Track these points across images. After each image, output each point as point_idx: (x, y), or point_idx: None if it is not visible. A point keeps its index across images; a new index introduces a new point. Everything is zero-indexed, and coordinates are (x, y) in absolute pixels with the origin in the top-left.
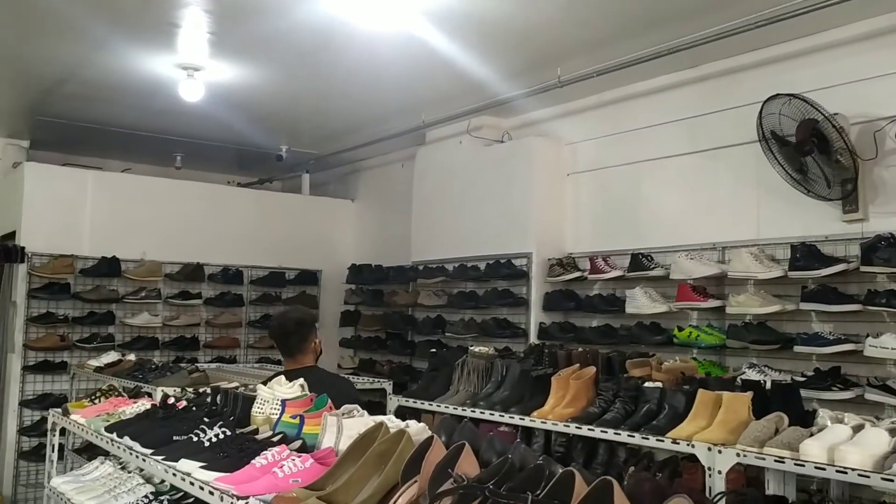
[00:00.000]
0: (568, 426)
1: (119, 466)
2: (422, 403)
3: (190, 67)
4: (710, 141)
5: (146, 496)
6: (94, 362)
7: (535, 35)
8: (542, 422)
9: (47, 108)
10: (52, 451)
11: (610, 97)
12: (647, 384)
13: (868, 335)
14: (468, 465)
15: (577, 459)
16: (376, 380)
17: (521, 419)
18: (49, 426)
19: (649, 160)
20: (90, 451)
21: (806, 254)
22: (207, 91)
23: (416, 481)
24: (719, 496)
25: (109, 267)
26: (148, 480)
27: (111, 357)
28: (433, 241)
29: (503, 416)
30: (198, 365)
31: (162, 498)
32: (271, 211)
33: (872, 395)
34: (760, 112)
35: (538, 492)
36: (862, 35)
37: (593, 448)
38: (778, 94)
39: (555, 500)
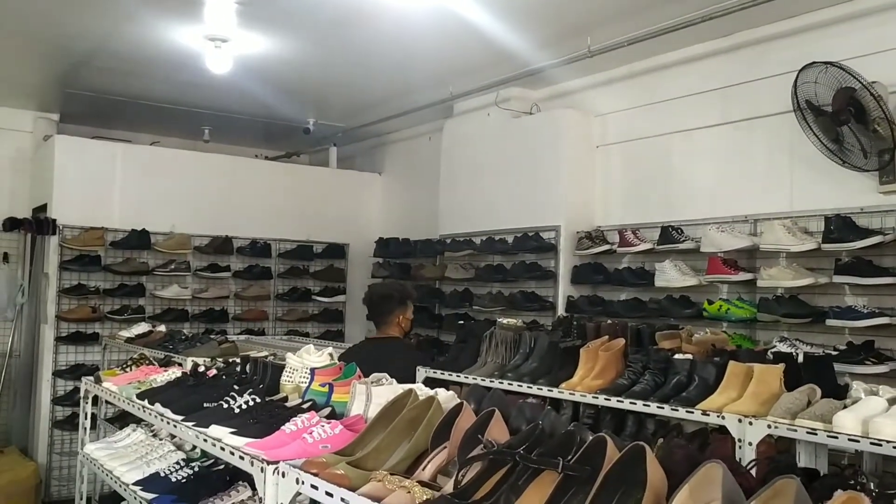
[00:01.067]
0: (597, 398)
1: (151, 434)
2: (450, 375)
3: (217, 39)
4: (742, 111)
5: (178, 462)
6: (126, 333)
7: (566, 4)
8: (571, 393)
9: (76, 81)
10: (85, 419)
11: (640, 67)
12: (676, 356)
13: None
14: (498, 432)
15: (605, 431)
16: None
17: (549, 391)
18: (82, 394)
19: (680, 131)
20: (122, 421)
21: (840, 226)
22: (235, 63)
23: (445, 447)
24: (752, 463)
25: (139, 239)
26: (179, 447)
27: (142, 328)
28: (460, 215)
29: (531, 387)
30: (227, 336)
31: (193, 464)
32: (299, 184)
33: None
34: (796, 81)
35: (569, 457)
36: None
37: (622, 420)
38: (814, 63)
39: (586, 465)
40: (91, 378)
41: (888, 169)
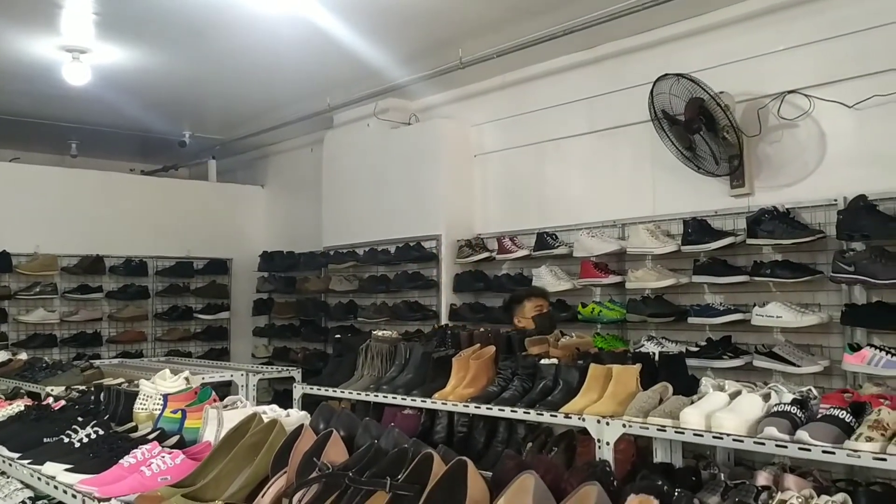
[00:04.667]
0: (467, 406)
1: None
2: (326, 390)
3: (75, 50)
4: (608, 120)
5: (24, 501)
6: None
7: (434, 17)
8: (443, 403)
9: None
10: None
11: (512, 79)
12: (543, 361)
13: (755, 305)
14: (335, 453)
15: (478, 438)
16: (285, 368)
17: (422, 401)
18: None
19: (552, 140)
20: None
21: (697, 228)
22: (96, 74)
23: (285, 472)
24: (603, 463)
25: None
26: (27, 485)
27: (2, 356)
28: (344, 226)
29: (405, 399)
30: (92, 362)
31: (41, 502)
32: (176, 199)
33: (760, 362)
34: (652, 91)
35: (398, 476)
36: (746, 15)
37: (494, 426)
38: (667, 74)
39: (415, 482)
40: None
41: (737, 174)
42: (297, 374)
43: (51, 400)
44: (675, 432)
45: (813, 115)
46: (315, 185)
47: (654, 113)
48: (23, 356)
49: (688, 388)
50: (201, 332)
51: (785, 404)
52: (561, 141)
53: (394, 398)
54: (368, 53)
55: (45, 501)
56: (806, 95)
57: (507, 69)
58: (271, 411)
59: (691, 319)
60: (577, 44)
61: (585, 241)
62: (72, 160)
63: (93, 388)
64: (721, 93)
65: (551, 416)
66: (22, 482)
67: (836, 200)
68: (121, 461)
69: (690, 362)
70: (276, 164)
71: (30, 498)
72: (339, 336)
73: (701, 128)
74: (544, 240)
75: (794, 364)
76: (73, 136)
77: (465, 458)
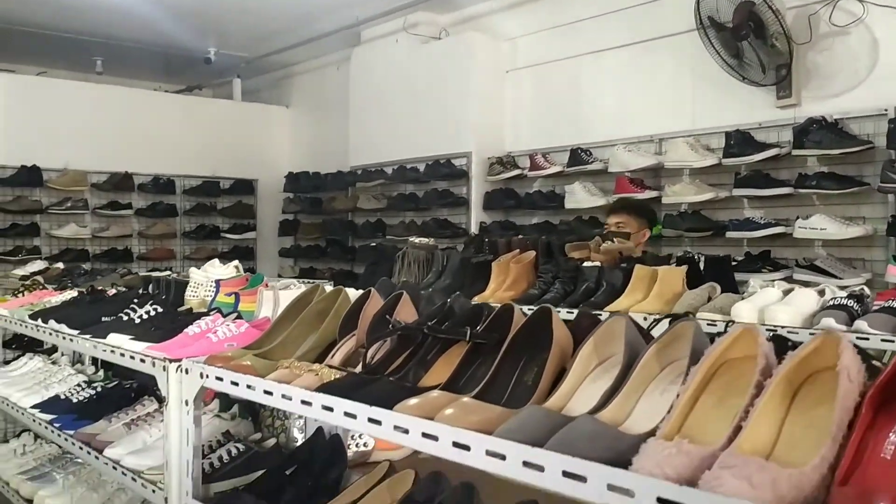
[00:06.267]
0: None
1: (49, 361)
2: None
3: None
4: (647, 31)
5: (79, 385)
6: (20, 271)
7: None
8: None
9: None
10: None
11: None
12: (585, 264)
13: (797, 217)
14: (406, 314)
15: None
16: (314, 281)
17: None
18: None
19: (588, 53)
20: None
21: (740, 140)
22: None
23: (353, 335)
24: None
25: (30, 176)
26: (80, 372)
27: (37, 266)
28: (371, 145)
29: None
30: (129, 268)
31: (96, 384)
32: (202, 118)
33: (801, 275)
34: None
35: (477, 327)
36: None
37: None
38: None
39: (493, 332)
40: None
41: (784, 83)
42: (328, 286)
43: (100, 287)
44: (727, 327)
45: (866, 22)
46: (341, 104)
47: (699, 20)
48: (59, 265)
49: (733, 290)
50: (228, 251)
51: (841, 298)
52: (597, 54)
53: None
54: None
55: (101, 384)
56: (859, 0)
57: None
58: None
59: (730, 234)
60: None
61: (621, 155)
62: (97, 77)
63: (141, 280)
64: None
65: (595, 315)
66: (76, 370)
67: (886, 110)
68: (185, 330)
69: None
70: (301, 83)
71: (84, 382)
72: (374, 243)
73: (749, 34)
74: (578, 156)
75: (836, 276)
76: (98, 53)
77: (549, 305)
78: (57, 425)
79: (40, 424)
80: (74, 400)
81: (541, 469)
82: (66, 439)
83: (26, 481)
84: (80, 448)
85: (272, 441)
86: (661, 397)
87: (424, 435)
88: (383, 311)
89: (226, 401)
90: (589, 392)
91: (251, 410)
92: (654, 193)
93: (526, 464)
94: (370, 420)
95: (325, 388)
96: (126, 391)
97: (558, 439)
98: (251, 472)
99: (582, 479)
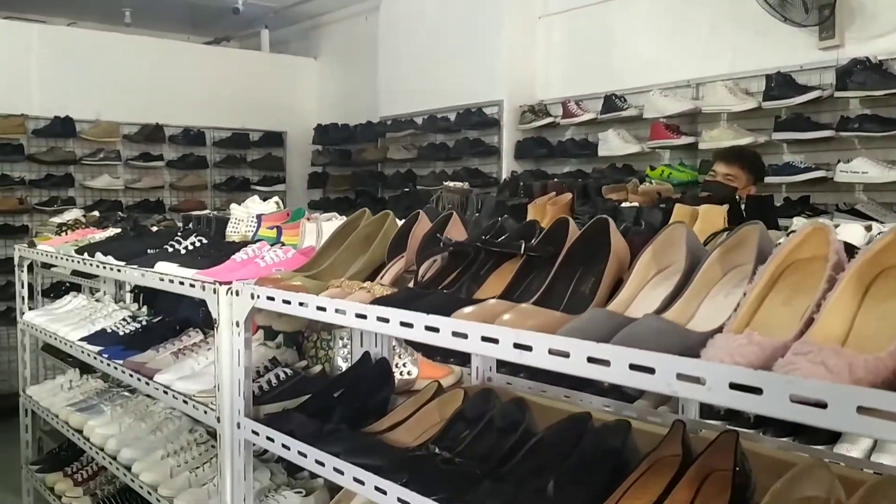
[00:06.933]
0: None
1: (94, 299)
2: None
3: None
4: None
5: (124, 319)
6: (57, 219)
7: None
8: None
9: None
10: (22, 288)
11: None
12: (623, 205)
13: (839, 161)
14: (457, 233)
15: None
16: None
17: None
18: (16, 261)
19: None
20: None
21: (780, 83)
22: None
23: (402, 257)
24: None
25: (63, 127)
26: (125, 308)
27: (74, 214)
28: (401, 95)
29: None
30: (165, 215)
31: (141, 319)
32: (231, 70)
33: (841, 220)
34: None
35: (532, 241)
36: None
37: None
38: None
39: (548, 245)
40: (24, 245)
41: (828, 24)
42: None
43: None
44: None
45: None
46: (370, 55)
47: None
48: (96, 213)
49: (776, 230)
50: None
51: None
52: None
53: None
54: None
55: (146, 318)
56: None
57: None
58: None
59: (768, 179)
60: None
61: (657, 100)
62: (126, 29)
63: (181, 218)
64: None
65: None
66: (120, 306)
67: None
68: (232, 257)
69: None
70: (329, 34)
71: (129, 316)
72: (407, 189)
73: None
74: (612, 102)
75: (877, 220)
76: (127, 3)
77: (606, 216)
78: (106, 356)
79: (89, 355)
80: (121, 333)
81: (606, 364)
82: (115, 368)
83: (75, 412)
84: (130, 375)
85: (318, 368)
86: (726, 300)
87: (484, 339)
88: (434, 231)
89: (270, 333)
90: (650, 298)
91: (294, 342)
92: (690, 139)
93: (591, 359)
94: (427, 328)
95: (380, 301)
96: (170, 324)
97: (623, 335)
98: (299, 396)
99: (650, 370)
